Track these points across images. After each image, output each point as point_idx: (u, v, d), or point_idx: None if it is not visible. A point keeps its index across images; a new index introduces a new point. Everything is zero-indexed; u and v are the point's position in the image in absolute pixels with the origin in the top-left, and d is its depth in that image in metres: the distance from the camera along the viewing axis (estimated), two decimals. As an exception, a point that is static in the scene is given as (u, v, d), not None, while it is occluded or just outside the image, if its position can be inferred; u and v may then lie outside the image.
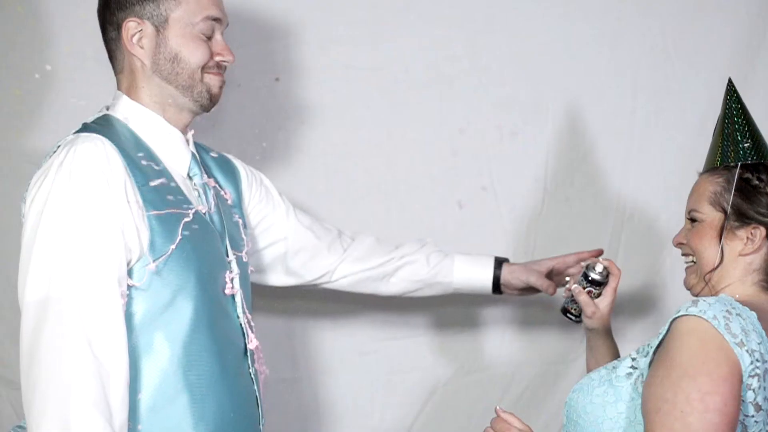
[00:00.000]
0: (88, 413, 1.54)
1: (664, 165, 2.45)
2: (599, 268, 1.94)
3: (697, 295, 1.75)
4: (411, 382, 2.49)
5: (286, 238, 2.08)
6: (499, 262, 2.16)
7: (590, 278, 1.94)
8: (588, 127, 2.46)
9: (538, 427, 2.46)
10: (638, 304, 2.45)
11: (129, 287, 1.65)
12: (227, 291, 1.80)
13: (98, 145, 1.65)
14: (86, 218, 1.60)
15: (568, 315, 2.00)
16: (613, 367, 1.70)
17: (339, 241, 2.14)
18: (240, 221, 1.94)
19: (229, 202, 1.94)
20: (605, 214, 2.46)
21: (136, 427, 1.65)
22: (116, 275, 1.62)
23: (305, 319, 2.47)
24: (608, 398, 1.66)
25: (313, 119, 2.42)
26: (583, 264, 1.98)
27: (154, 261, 1.67)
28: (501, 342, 2.50)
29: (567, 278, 2.05)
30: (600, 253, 2.09)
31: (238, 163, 2.04)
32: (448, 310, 2.47)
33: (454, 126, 2.46)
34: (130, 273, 1.65)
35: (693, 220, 1.76)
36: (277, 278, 2.12)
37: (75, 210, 1.60)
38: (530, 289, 2.16)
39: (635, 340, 2.40)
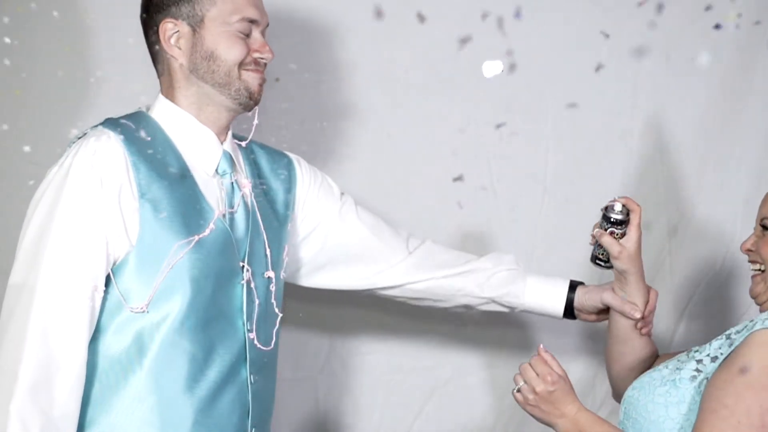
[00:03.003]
0: (23, 398, 1.59)
1: (664, 165, 2.45)
2: (618, 207, 1.92)
3: (761, 305, 1.75)
4: (411, 382, 2.49)
5: (345, 241, 2.03)
6: (574, 286, 2.07)
7: (611, 219, 1.91)
8: (588, 127, 2.46)
9: (537, 428, 2.47)
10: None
11: (109, 283, 1.68)
12: (234, 297, 1.79)
13: (103, 141, 1.70)
14: (70, 218, 1.66)
15: (598, 261, 1.97)
16: (676, 368, 1.69)
17: (405, 245, 2.07)
18: (281, 225, 1.92)
19: (265, 201, 1.90)
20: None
21: (100, 419, 1.69)
22: (91, 275, 1.66)
23: (305, 319, 2.46)
24: (671, 399, 1.66)
25: (312, 119, 2.42)
26: (602, 207, 1.95)
27: (143, 260, 1.69)
28: (501, 342, 2.50)
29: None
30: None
31: (296, 163, 2.02)
32: (449, 311, 2.46)
33: (454, 126, 2.45)
34: (119, 268, 1.68)
35: (765, 227, 1.76)
36: (333, 281, 2.08)
37: (63, 207, 1.66)
38: (607, 312, 2.05)
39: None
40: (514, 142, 2.46)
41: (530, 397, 1.77)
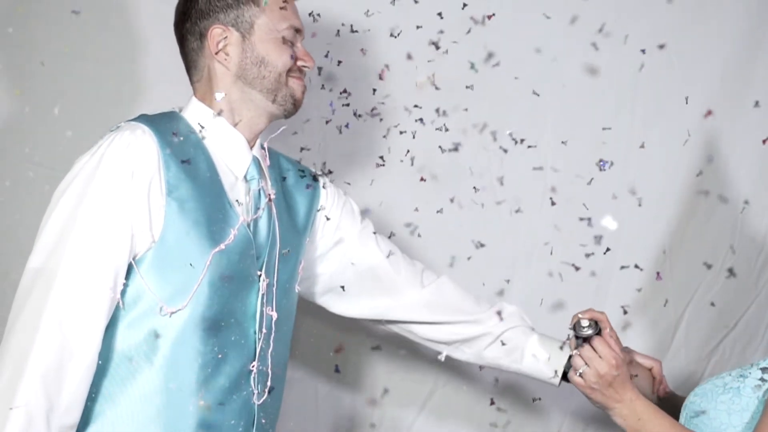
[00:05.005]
0: (32, 382, 1.58)
1: (664, 165, 2.45)
2: (585, 323, 1.88)
3: None
4: (411, 382, 2.49)
5: (360, 265, 2.02)
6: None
7: (583, 337, 1.88)
8: (588, 127, 2.46)
9: (537, 429, 2.47)
10: (626, 311, 2.44)
11: (129, 276, 1.68)
12: (249, 305, 1.79)
13: (138, 135, 1.71)
14: (98, 207, 1.66)
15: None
16: (740, 375, 1.69)
17: (420, 279, 2.05)
18: (299, 238, 1.92)
19: (286, 213, 1.91)
20: (605, 214, 2.45)
21: (106, 413, 1.69)
22: (113, 265, 1.66)
23: (304, 319, 2.46)
24: (734, 406, 1.66)
25: (311, 119, 2.42)
26: (569, 330, 1.92)
27: (162, 258, 1.69)
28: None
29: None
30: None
31: (321, 181, 2.03)
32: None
33: (454, 126, 2.45)
34: (138, 263, 1.68)
35: None
36: (342, 307, 2.06)
37: (92, 195, 1.66)
38: None
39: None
40: (514, 142, 2.45)
41: (593, 380, 1.76)
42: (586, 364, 1.79)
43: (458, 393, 2.49)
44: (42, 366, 1.59)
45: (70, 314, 1.62)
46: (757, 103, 2.41)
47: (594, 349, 1.76)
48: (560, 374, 1.97)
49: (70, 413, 1.63)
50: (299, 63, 1.85)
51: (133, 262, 1.68)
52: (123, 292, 1.68)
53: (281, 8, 1.83)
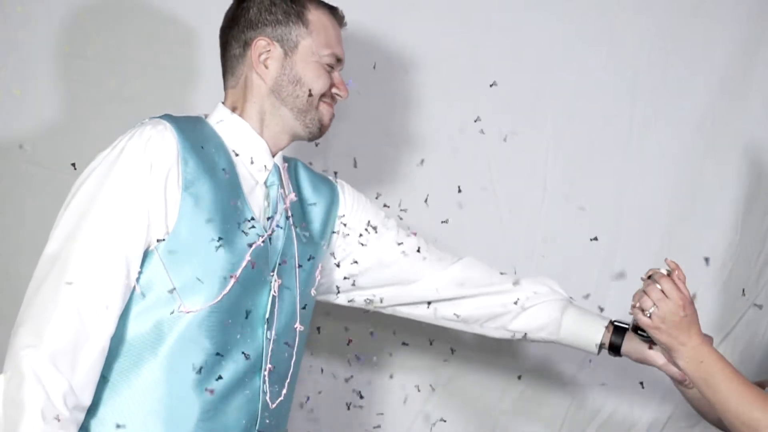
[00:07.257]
0: (42, 359, 1.59)
1: (663, 165, 2.45)
2: (664, 272, 1.83)
3: None
4: (411, 382, 2.49)
5: (381, 264, 2.03)
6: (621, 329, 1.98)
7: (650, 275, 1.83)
8: (587, 127, 2.46)
9: (538, 428, 2.48)
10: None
11: (143, 266, 1.69)
12: (260, 306, 1.80)
13: (159, 129, 1.73)
14: (116, 196, 1.68)
15: (640, 332, 1.88)
16: None
17: (444, 265, 2.06)
18: (316, 244, 1.93)
19: (303, 219, 1.93)
20: (604, 213, 2.46)
21: (109, 401, 1.70)
22: (127, 257, 1.68)
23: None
24: None
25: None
26: (644, 276, 1.87)
27: (173, 251, 1.70)
28: (502, 341, 2.49)
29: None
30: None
31: (340, 188, 2.04)
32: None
33: (454, 126, 2.46)
34: (152, 253, 1.70)
35: None
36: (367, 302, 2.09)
37: (110, 185, 1.68)
38: None
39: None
40: (514, 142, 2.46)
41: (660, 320, 1.75)
42: (655, 305, 1.77)
43: (459, 393, 2.49)
44: (56, 344, 1.60)
45: (85, 301, 1.63)
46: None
47: (662, 290, 1.75)
48: (598, 345, 1.98)
49: (84, 393, 1.64)
50: (334, 90, 1.88)
51: (154, 251, 1.70)
52: (137, 279, 1.70)
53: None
